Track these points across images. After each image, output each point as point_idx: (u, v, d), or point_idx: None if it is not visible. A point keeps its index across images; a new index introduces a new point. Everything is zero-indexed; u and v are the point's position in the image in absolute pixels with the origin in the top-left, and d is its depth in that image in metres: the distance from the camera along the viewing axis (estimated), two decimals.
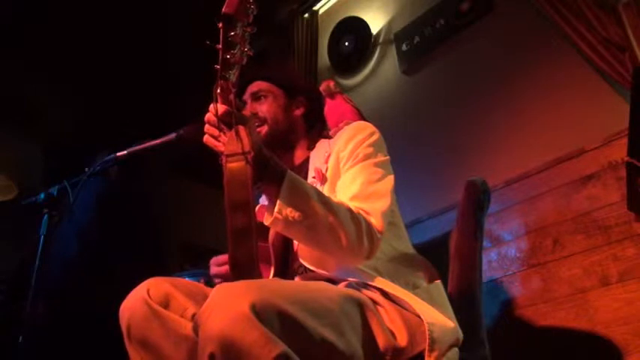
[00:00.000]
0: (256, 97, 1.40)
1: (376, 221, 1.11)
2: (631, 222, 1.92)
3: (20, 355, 1.44)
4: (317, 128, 1.46)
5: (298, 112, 1.43)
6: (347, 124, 1.37)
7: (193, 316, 1.04)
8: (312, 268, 1.14)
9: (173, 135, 1.57)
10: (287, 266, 1.26)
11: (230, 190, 0.95)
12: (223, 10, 0.93)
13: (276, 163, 1.05)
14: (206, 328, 0.78)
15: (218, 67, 0.96)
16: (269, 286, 0.87)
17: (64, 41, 3.32)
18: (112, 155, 1.61)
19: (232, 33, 0.94)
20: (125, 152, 1.60)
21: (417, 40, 2.96)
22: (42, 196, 1.64)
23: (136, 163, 1.59)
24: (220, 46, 0.95)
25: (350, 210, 1.09)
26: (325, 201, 1.06)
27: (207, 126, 1.02)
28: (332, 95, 1.92)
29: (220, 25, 0.94)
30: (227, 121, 0.99)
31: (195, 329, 0.82)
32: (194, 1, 3.26)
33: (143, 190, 3.66)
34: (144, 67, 3.56)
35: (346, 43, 3.30)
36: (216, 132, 1.01)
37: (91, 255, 3.02)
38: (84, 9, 3.19)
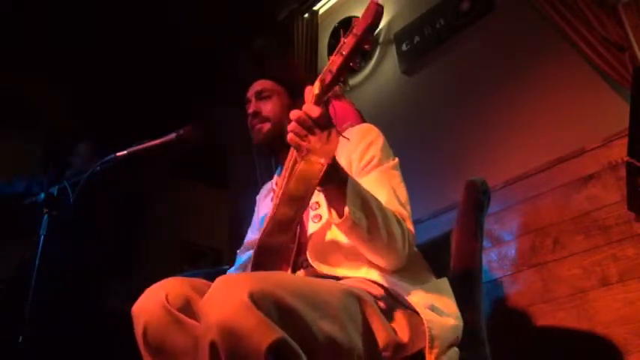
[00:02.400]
0: (260, 95, 1.41)
1: (411, 226, 1.15)
2: (631, 222, 1.92)
3: (20, 355, 1.44)
4: None
5: None
6: (351, 126, 1.39)
7: None
8: (316, 264, 1.14)
9: (173, 135, 1.57)
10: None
11: (295, 184, 1.01)
12: (369, 21, 0.95)
13: (342, 168, 1.06)
14: (207, 318, 0.80)
15: (333, 70, 0.99)
16: (269, 277, 0.88)
17: (64, 41, 3.33)
18: (112, 155, 1.61)
19: (366, 46, 0.97)
20: (125, 152, 1.61)
21: (417, 40, 2.96)
22: (42, 196, 1.64)
23: (136, 163, 1.59)
24: (348, 52, 0.98)
25: (396, 215, 1.12)
26: (380, 206, 1.08)
27: (294, 124, 1.00)
28: (338, 96, 1.92)
29: (359, 32, 0.96)
30: (322, 124, 0.99)
31: None
32: (194, 2, 3.26)
33: (143, 190, 3.66)
34: (144, 68, 3.56)
35: None
36: (303, 132, 1.00)
37: (90, 255, 3.02)
38: (84, 9, 3.20)
